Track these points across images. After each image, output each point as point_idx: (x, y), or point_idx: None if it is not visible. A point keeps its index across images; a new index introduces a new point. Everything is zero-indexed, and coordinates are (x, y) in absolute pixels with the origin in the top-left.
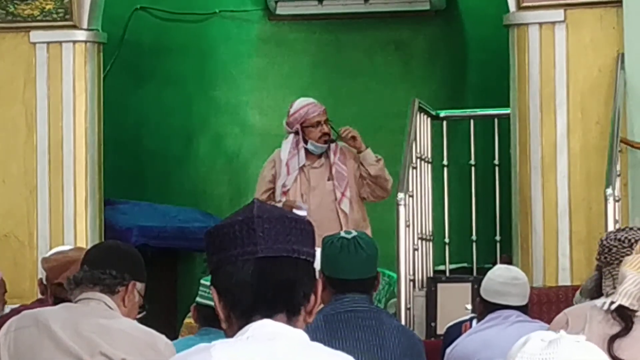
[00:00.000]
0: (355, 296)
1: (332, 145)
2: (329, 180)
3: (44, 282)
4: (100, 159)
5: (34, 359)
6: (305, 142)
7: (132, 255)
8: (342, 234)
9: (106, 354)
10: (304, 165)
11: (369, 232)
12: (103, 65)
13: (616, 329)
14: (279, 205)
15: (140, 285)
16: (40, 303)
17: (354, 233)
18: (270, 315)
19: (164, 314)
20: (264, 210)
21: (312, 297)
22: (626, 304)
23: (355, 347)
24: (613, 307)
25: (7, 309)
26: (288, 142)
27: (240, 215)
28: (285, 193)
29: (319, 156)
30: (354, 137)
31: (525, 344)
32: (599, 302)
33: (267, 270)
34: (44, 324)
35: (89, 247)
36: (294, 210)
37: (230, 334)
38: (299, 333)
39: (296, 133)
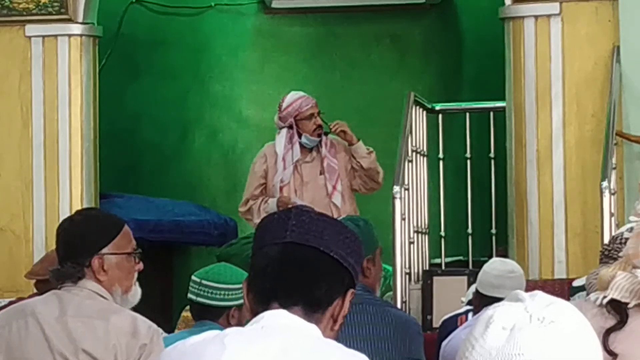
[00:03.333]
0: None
1: (323, 138)
2: (320, 174)
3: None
4: (96, 152)
5: (23, 353)
6: (300, 136)
7: (82, 232)
8: None
9: (89, 352)
10: (297, 160)
11: None
12: (99, 58)
13: (611, 322)
14: (273, 201)
15: (110, 248)
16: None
17: (343, 217)
18: (287, 305)
19: (160, 308)
20: (307, 209)
21: (338, 301)
22: (618, 297)
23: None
24: (605, 301)
25: (4, 302)
26: (282, 137)
27: (278, 214)
28: (282, 188)
29: (310, 150)
30: (343, 131)
31: (487, 331)
32: (592, 296)
33: (292, 254)
34: (33, 318)
35: None
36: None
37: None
38: (313, 328)
39: (290, 127)
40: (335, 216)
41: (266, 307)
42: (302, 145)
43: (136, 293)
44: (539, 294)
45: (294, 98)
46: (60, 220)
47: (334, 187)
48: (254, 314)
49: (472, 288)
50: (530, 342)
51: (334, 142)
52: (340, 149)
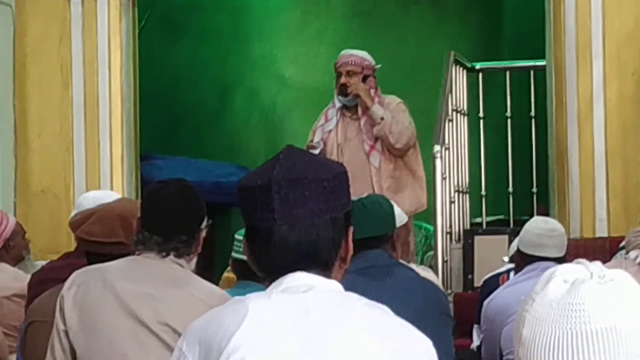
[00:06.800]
0: (372, 252)
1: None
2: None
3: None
4: (136, 114)
5: (98, 316)
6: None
7: (193, 207)
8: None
9: (169, 324)
10: (344, 116)
11: (417, 187)
12: (138, 20)
13: None
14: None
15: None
16: (67, 257)
17: (364, 196)
18: (300, 270)
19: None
20: (285, 170)
21: (344, 244)
22: None
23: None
24: None
25: (38, 265)
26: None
27: (260, 178)
28: (326, 142)
29: (357, 108)
30: (358, 95)
31: (548, 284)
32: (632, 254)
33: (286, 236)
34: (109, 282)
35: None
36: (310, 151)
37: (265, 284)
38: (334, 284)
39: None
40: (374, 176)
41: (273, 278)
42: (345, 104)
43: (195, 260)
44: (598, 262)
45: (340, 54)
46: (154, 188)
47: (372, 147)
48: (270, 281)
49: (514, 244)
50: (591, 294)
51: (381, 102)
52: (385, 109)
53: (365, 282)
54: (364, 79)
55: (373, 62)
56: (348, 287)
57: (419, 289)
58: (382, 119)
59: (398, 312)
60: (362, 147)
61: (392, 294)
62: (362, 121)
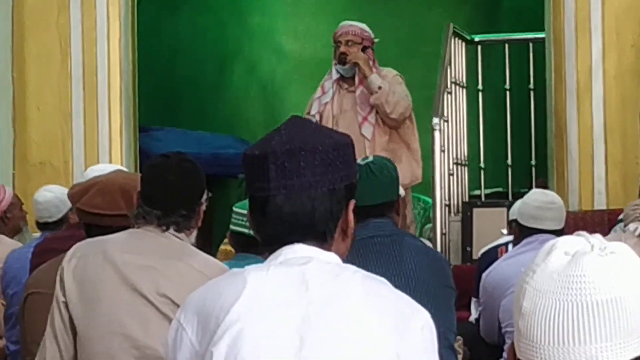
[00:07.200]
0: (377, 220)
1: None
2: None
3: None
4: (135, 85)
5: (98, 288)
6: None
7: (194, 180)
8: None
9: (166, 293)
10: (341, 88)
11: (412, 159)
12: None
13: None
14: None
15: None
16: (70, 229)
17: (369, 159)
18: (299, 242)
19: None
20: (285, 140)
21: (343, 217)
22: None
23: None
24: None
25: (36, 237)
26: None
27: (259, 148)
28: (322, 114)
29: (354, 79)
30: (356, 63)
31: (549, 256)
32: (631, 226)
33: (281, 206)
34: (110, 254)
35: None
36: None
37: (264, 256)
38: (332, 256)
39: None
40: (367, 148)
41: (272, 248)
42: (343, 74)
43: (195, 234)
44: (598, 235)
45: (340, 25)
46: (154, 162)
47: (365, 118)
48: (269, 252)
49: (512, 211)
50: (592, 265)
51: (379, 73)
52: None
53: (367, 253)
54: (363, 50)
55: (372, 35)
56: (349, 258)
57: (423, 261)
58: (380, 87)
59: (400, 285)
60: (357, 119)
61: (395, 265)
62: (358, 92)
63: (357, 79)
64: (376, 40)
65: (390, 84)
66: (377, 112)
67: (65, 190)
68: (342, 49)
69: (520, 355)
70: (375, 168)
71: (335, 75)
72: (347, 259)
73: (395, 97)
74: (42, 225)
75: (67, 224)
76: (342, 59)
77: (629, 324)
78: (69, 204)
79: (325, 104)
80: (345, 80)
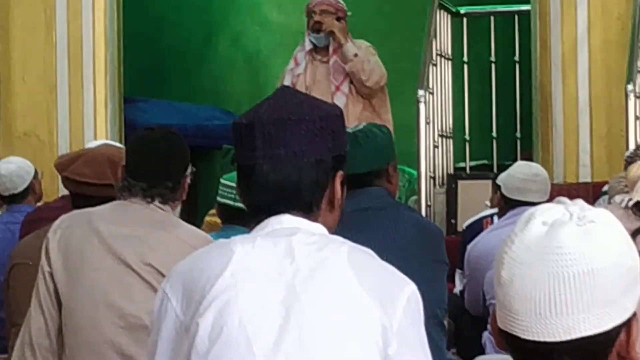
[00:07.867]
0: (371, 190)
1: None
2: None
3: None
4: (120, 56)
5: (82, 258)
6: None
7: (179, 153)
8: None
9: (154, 265)
10: (313, 59)
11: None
12: None
13: (636, 224)
14: None
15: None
16: (62, 200)
17: (360, 127)
18: (285, 212)
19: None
20: (272, 109)
21: (330, 188)
22: None
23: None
24: (631, 203)
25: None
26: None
27: (247, 117)
28: (295, 85)
29: (327, 49)
30: (332, 31)
31: (527, 226)
32: (617, 198)
33: (266, 175)
34: (95, 225)
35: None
36: None
37: (250, 227)
38: (319, 227)
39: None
40: None
41: (258, 219)
42: (316, 44)
43: (179, 208)
44: (580, 201)
45: None
46: (139, 135)
47: (337, 88)
48: (255, 222)
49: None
50: (570, 236)
51: (353, 43)
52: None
53: (361, 225)
54: (337, 20)
55: (345, 7)
56: (342, 231)
57: (416, 234)
58: (356, 55)
59: (392, 258)
60: (330, 89)
61: (387, 238)
62: (332, 61)
63: (330, 49)
64: (349, 13)
65: (365, 54)
66: (350, 82)
67: (26, 161)
68: (317, 17)
69: (501, 325)
70: (361, 136)
71: (308, 46)
72: (340, 231)
73: (370, 65)
74: (7, 198)
75: (32, 192)
76: (316, 28)
77: (607, 294)
78: (32, 173)
79: (298, 75)
80: (318, 51)
